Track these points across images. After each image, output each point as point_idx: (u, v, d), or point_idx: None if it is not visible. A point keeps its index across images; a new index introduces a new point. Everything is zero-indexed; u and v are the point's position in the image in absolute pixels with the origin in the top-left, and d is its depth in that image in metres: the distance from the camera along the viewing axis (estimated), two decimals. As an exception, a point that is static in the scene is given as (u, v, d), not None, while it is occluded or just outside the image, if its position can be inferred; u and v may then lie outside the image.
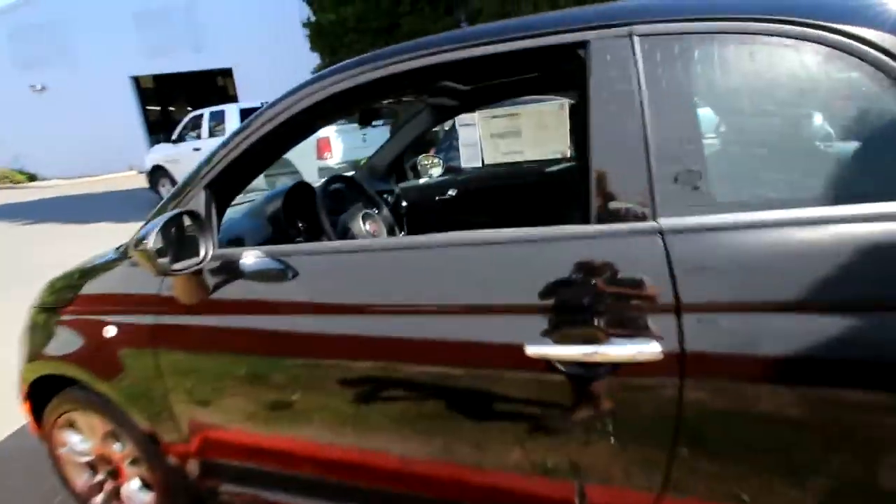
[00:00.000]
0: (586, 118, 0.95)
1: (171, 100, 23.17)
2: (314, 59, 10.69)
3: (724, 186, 0.90)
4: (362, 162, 6.09)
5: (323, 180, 1.62)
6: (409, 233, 2.31)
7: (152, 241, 1.01)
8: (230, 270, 1.16)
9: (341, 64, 1.14)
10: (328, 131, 6.38)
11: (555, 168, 2.33)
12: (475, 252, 1.00)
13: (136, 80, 18.85)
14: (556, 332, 0.91)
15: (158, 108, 22.12)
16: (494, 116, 2.79)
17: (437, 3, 9.02)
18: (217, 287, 1.18)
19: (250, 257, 1.14)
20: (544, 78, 1.91)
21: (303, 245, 1.21)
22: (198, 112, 8.90)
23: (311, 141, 6.21)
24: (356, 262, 1.09)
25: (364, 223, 1.51)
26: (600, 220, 0.93)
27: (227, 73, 18.49)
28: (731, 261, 0.82)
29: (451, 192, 2.45)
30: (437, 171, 2.77)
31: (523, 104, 3.42)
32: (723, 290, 0.82)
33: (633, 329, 0.87)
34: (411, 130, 2.34)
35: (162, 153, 9.32)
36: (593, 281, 0.89)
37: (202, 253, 1.11)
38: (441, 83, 1.71)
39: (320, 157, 6.37)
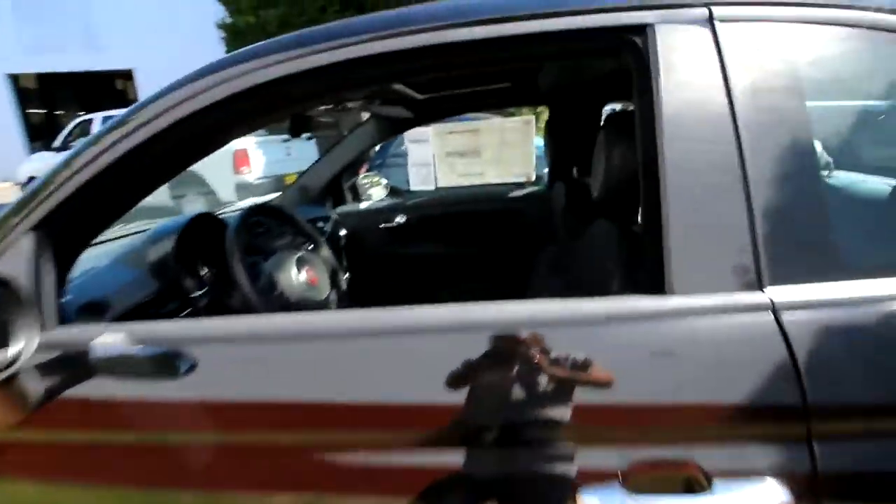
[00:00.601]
0: (648, 141, 0.65)
1: (59, 103, 20.56)
2: (230, 65, 9.81)
3: (858, 242, 0.63)
4: (287, 178, 5.54)
5: (239, 211, 1.19)
6: (350, 270, 1.90)
7: None
8: (74, 366, 0.70)
9: (258, 47, 0.75)
10: (246, 142, 5.72)
11: (519, 193, 2.05)
12: (489, 341, 0.64)
13: (15, 79, 16.47)
14: (628, 474, 0.58)
15: (43, 112, 19.52)
16: (451, 132, 2.48)
17: (364, 8, 8.68)
18: (53, 394, 0.71)
19: (110, 341, 0.69)
20: (515, 89, 1.62)
21: (204, 322, 0.78)
22: (87, 116, 7.76)
23: (227, 151, 5.54)
24: (296, 352, 0.69)
25: (299, 270, 1.10)
26: (680, 290, 0.61)
27: (127, 75, 16.73)
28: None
29: (399, 219, 2.08)
30: (379, 193, 2.38)
31: (484, 119, 3.15)
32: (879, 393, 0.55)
33: (743, 462, 0.57)
34: (352, 145, 1.94)
35: (41, 162, 8.04)
36: (677, 385, 0.58)
37: (14, 348, 0.65)
38: (399, 86, 1.36)
39: (237, 171, 5.69)
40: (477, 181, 2.06)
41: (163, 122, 0.72)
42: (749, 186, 0.61)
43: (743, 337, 0.60)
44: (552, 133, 1.70)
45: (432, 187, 2.12)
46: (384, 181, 2.54)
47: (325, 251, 1.33)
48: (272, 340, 0.69)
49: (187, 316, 0.99)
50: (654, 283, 0.63)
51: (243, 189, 5.58)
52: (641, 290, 0.65)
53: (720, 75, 0.64)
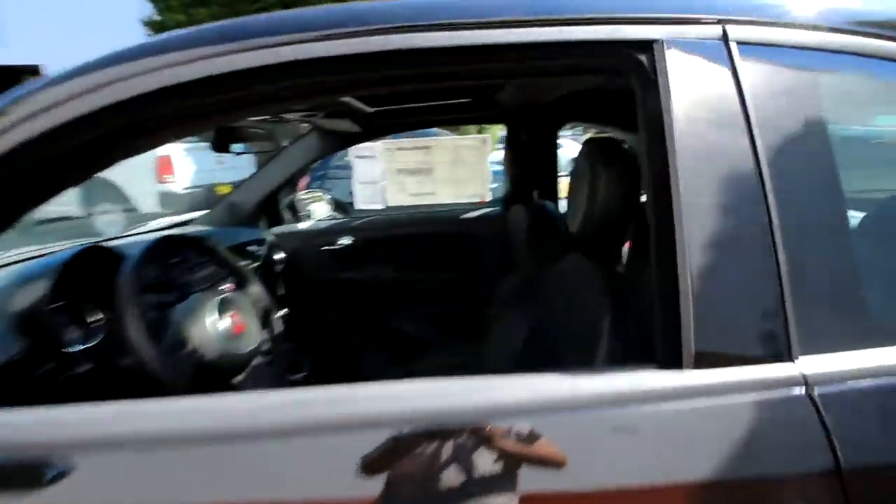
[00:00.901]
0: (659, 184, 0.54)
1: (-51, 96, 18.30)
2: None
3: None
4: (220, 188, 5.12)
5: (142, 246, 0.96)
6: (288, 300, 1.69)
7: None
8: None
9: (168, 38, 0.58)
10: (171, 148, 5.24)
11: (473, 215, 1.93)
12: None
13: None
14: None
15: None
16: (401, 148, 2.32)
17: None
18: None
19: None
20: (475, 104, 1.50)
21: (77, 411, 0.57)
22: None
23: (149, 157, 5.05)
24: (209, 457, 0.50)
25: (220, 316, 0.89)
26: (697, 363, 0.50)
27: (34, 70, 15.17)
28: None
29: (344, 241, 1.90)
30: (321, 210, 2.18)
31: (435, 135, 3.02)
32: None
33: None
34: (291, 159, 1.74)
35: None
36: (698, 475, 0.47)
37: None
38: (349, 98, 1.19)
39: (161, 180, 5.20)
40: (429, 201, 1.92)
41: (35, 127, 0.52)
42: (775, 240, 0.51)
43: (772, 418, 0.50)
44: (512, 153, 1.61)
45: (381, 206, 1.95)
46: (327, 197, 2.34)
47: (256, 287, 1.12)
48: (169, 441, 0.50)
49: (65, 381, 0.76)
50: (669, 354, 0.52)
51: (168, 200, 5.10)
52: (648, 359, 0.53)
53: (738, 106, 0.54)
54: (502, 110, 1.52)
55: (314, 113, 1.28)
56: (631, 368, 0.53)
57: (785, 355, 0.52)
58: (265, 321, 1.07)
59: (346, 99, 1.28)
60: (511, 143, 1.67)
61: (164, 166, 5.32)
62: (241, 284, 1.10)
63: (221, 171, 5.25)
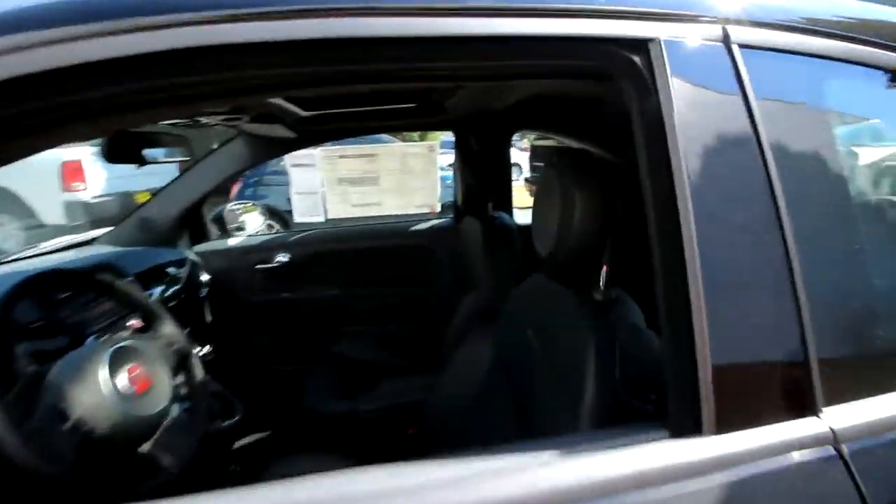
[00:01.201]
0: (666, 212, 0.45)
1: None
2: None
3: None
4: (138, 196, 4.64)
5: (17, 278, 0.75)
6: (215, 330, 1.49)
7: None
8: None
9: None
10: (81, 151, 4.69)
11: (423, 226, 1.81)
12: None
13: None
14: None
15: None
16: (343, 156, 2.14)
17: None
18: None
19: None
20: (422, 110, 1.38)
21: None
22: None
23: (53, 162, 4.50)
24: None
25: (114, 373, 0.69)
26: (719, 427, 0.42)
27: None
28: None
29: (281, 258, 1.71)
30: (254, 222, 1.98)
31: (382, 142, 2.85)
32: None
33: None
34: (216, 168, 1.54)
35: None
36: None
37: None
38: (277, 100, 1.04)
39: (68, 188, 4.64)
40: (374, 212, 1.78)
41: None
42: (794, 277, 0.44)
43: (804, 485, 0.43)
44: (462, 161, 1.51)
45: (321, 219, 1.79)
46: (260, 208, 2.13)
47: (168, 326, 0.92)
48: None
49: None
50: (685, 417, 0.43)
51: (76, 210, 4.57)
52: (653, 423, 0.44)
53: (746, 121, 0.46)
54: (451, 116, 1.42)
55: (236, 116, 1.10)
56: (638, 437, 0.44)
57: (809, 407, 0.44)
58: (182, 365, 0.89)
59: (281, 102, 1.13)
60: (461, 152, 1.58)
61: (72, 173, 4.75)
62: (148, 324, 0.90)
63: (141, 177, 4.76)
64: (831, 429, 0.44)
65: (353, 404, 1.35)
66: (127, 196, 4.73)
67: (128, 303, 0.92)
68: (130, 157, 0.99)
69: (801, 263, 0.44)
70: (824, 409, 0.45)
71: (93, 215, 4.51)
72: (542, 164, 6.23)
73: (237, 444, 1.63)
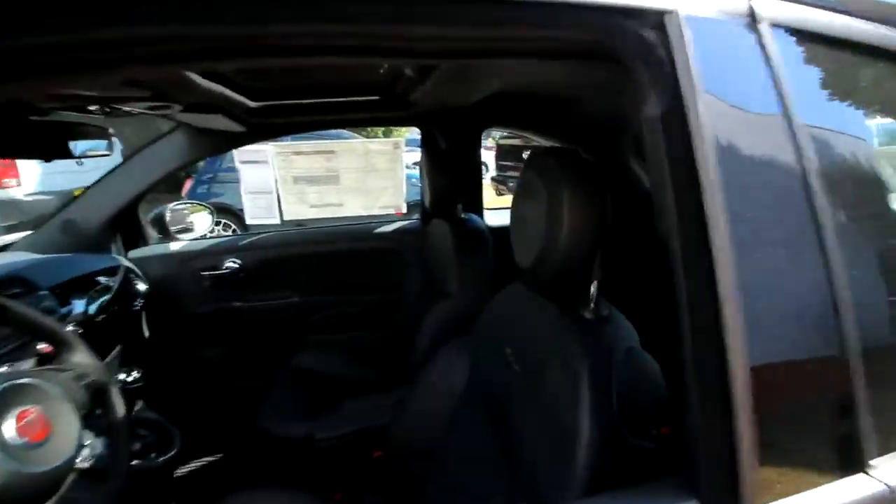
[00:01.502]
0: (685, 210, 0.36)
1: None
2: None
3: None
4: (78, 193, 4.31)
5: None
6: (153, 348, 1.33)
7: None
8: None
9: None
10: (13, 148, 4.31)
11: (389, 229, 1.68)
12: None
13: None
14: None
15: None
16: (299, 153, 1.97)
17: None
18: None
19: None
20: (385, 103, 1.26)
21: None
22: None
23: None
24: None
25: (0, 416, 0.54)
26: (758, 495, 0.33)
27: None
28: None
29: (231, 264, 1.56)
30: (203, 225, 1.79)
31: (342, 139, 2.67)
32: None
33: None
34: (153, 164, 1.37)
35: None
36: None
37: None
38: (216, 86, 0.90)
39: (-1, 185, 4.26)
40: (335, 213, 1.64)
41: None
42: (838, 303, 0.36)
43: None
44: (429, 160, 1.40)
45: (276, 221, 1.64)
46: (208, 207, 1.95)
47: (79, 355, 0.75)
48: None
49: None
50: (719, 486, 0.34)
51: (6, 209, 4.21)
52: (677, 490, 0.35)
53: (779, 112, 0.38)
54: (416, 111, 1.31)
55: (164, 105, 0.95)
56: None
57: (857, 464, 0.37)
58: (97, 400, 0.74)
59: (221, 89, 0.99)
60: (428, 149, 1.47)
61: (4, 168, 4.38)
62: (57, 352, 0.75)
63: (80, 174, 4.40)
64: (888, 485, 0.36)
65: (313, 426, 1.22)
66: (65, 194, 4.37)
67: (25, 327, 0.76)
68: (15, 150, 0.83)
69: (837, 275, 0.36)
70: (875, 462, 0.37)
71: (26, 215, 4.15)
72: (509, 163, 6.19)
73: (182, 470, 1.47)
